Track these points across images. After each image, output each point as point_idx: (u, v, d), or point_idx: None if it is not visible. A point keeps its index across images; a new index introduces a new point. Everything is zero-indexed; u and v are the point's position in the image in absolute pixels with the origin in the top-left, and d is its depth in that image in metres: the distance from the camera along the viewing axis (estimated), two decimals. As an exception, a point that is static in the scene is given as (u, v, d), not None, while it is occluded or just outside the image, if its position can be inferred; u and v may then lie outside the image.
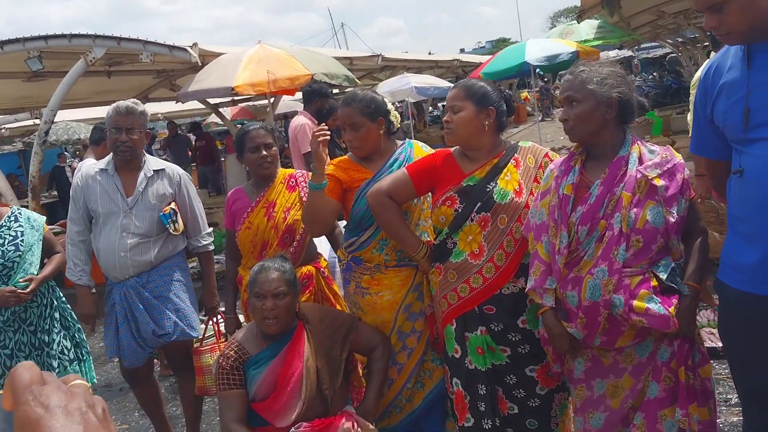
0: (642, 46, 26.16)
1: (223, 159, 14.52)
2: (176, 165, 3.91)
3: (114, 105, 3.57)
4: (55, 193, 15.49)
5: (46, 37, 7.52)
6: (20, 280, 3.57)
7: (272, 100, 9.45)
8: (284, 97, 11.69)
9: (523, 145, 2.86)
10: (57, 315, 3.78)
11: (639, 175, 2.32)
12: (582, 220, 2.36)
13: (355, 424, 2.78)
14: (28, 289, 3.54)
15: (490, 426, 2.69)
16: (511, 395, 2.72)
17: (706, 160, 2.38)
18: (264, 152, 3.44)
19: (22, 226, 3.67)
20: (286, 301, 2.78)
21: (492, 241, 2.66)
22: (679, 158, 2.41)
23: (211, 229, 3.87)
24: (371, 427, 2.89)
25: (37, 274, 3.65)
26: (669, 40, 18.21)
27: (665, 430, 2.38)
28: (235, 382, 2.78)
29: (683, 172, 2.38)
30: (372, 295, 3.02)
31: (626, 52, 26.68)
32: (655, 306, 2.24)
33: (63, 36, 7.53)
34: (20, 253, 3.60)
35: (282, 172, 3.59)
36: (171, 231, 3.61)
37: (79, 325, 3.89)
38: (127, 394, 5.04)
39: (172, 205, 3.62)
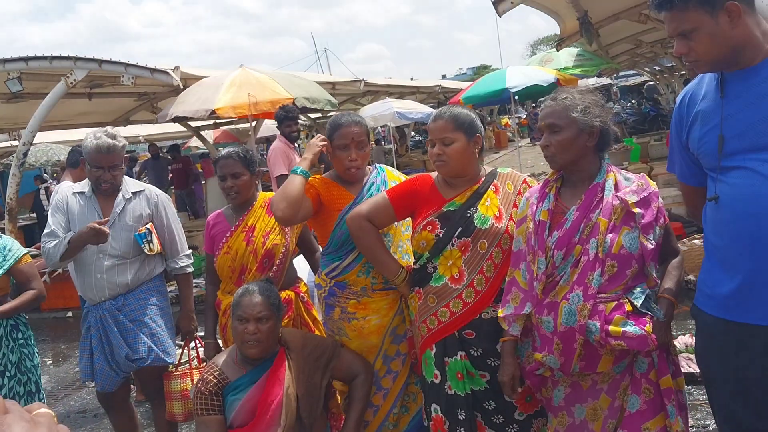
0: (620, 73, 26.62)
1: (203, 182, 14.45)
2: (155, 187, 3.86)
3: (94, 143, 3.46)
4: (34, 215, 15.31)
5: (26, 59, 7.49)
6: None
7: (254, 123, 9.46)
8: (266, 120, 11.73)
9: (502, 171, 2.87)
10: (13, 357, 3.59)
11: (616, 201, 2.35)
12: (558, 244, 2.37)
13: None
14: None
15: None
16: (491, 421, 2.70)
17: (682, 186, 2.40)
18: (230, 182, 3.41)
19: None
20: (268, 326, 2.76)
21: (472, 265, 2.67)
22: (653, 186, 2.45)
23: (189, 251, 3.82)
24: None
25: None
26: (647, 68, 18.55)
27: None
28: (213, 408, 2.73)
29: (657, 201, 2.42)
30: (359, 320, 3.00)
31: (605, 80, 27.07)
32: (631, 328, 2.26)
33: (44, 57, 7.51)
34: None
35: (262, 196, 3.56)
36: (146, 251, 3.56)
37: (39, 373, 3.73)
38: (102, 420, 4.96)
39: (148, 226, 3.58)
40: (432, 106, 21.16)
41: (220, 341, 3.62)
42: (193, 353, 3.87)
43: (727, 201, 2.04)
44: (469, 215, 2.68)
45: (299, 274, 3.73)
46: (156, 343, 3.59)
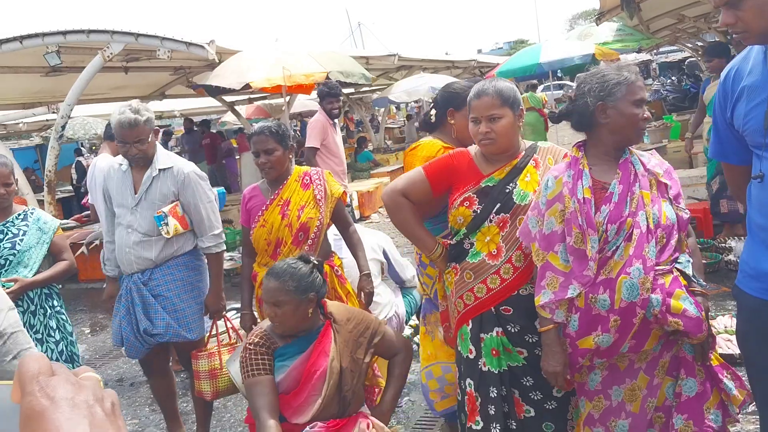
0: (660, 49, 25.99)
1: (237, 157, 14.54)
2: (190, 162, 3.85)
3: (117, 118, 3.48)
4: (69, 187, 15.59)
5: (64, 32, 7.56)
6: (4, 279, 3.44)
7: (287, 98, 9.45)
8: (300, 96, 11.72)
9: (543, 145, 2.81)
10: (53, 323, 3.65)
11: (648, 175, 2.40)
12: (611, 218, 2.35)
13: (371, 425, 2.75)
14: (10, 289, 3.36)
15: (498, 430, 2.65)
16: (528, 398, 2.67)
17: (726, 165, 2.34)
18: (263, 158, 3.44)
19: (28, 226, 3.60)
20: (285, 310, 2.73)
21: (510, 241, 2.62)
22: (666, 163, 2.52)
23: (219, 230, 3.75)
24: (387, 429, 2.87)
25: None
26: (688, 44, 18.04)
27: (713, 423, 2.37)
28: (265, 368, 2.73)
29: (675, 173, 2.51)
30: None
31: (644, 56, 26.51)
32: (692, 308, 2.27)
33: (81, 31, 7.57)
34: (15, 252, 3.51)
35: (297, 170, 3.57)
36: (163, 233, 3.56)
37: (73, 338, 3.78)
38: (138, 389, 5.05)
39: (165, 209, 3.56)
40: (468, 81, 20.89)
41: (256, 313, 3.65)
42: (223, 332, 3.89)
43: None
44: (508, 191, 2.64)
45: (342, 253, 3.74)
46: (177, 319, 3.63)
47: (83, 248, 8.18)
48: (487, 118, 2.61)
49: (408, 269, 4.47)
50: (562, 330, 2.45)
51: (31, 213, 3.70)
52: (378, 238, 4.37)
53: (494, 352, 2.66)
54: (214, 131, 16.50)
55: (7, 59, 7.94)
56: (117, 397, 0.79)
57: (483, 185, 2.67)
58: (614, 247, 2.34)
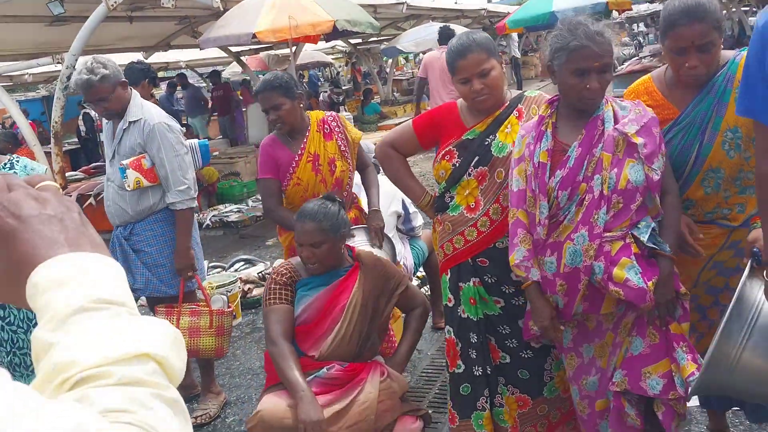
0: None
1: (244, 110, 14.44)
2: (163, 113, 3.69)
3: (74, 79, 3.47)
4: (76, 139, 15.57)
5: (67, -20, 7.43)
6: None
7: (294, 48, 9.33)
8: (306, 45, 11.56)
9: (529, 94, 2.76)
10: None
11: (616, 134, 2.25)
12: (562, 184, 2.29)
13: (386, 372, 2.80)
14: None
15: (480, 373, 2.73)
16: (504, 345, 2.73)
17: (757, 125, 2.08)
18: (272, 115, 3.40)
19: (17, 174, 3.59)
20: (323, 249, 2.80)
21: (488, 195, 2.64)
22: (651, 112, 2.35)
23: (185, 186, 3.56)
24: (401, 377, 2.91)
25: None
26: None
27: (649, 389, 2.33)
28: (284, 298, 2.83)
29: (657, 127, 2.33)
30: None
31: (657, 5, 25.93)
32: (635, 277, 2.20)
33: (84, -21, 7.44)
34: None
35: (313, 118, 3.53)
36: (125, 186, 3.51)
37: None
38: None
39: (130, 159, 3.49)
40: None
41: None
42: (197, 290, 3.82)
43: None
44: (487, 143, 2.62)
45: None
46: (158, 275, 3.62)
47: (91, 199, 8.21)
48: (478, 74, 2.56)
49: (418, 218, 4.48)
50: None
51: (17, 161, 3.67)
52: (395, 188, 4.36)
53: (472, 301, 2.71)
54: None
55: (9, 8, 7.84)
56: (78, 206, 0.76)
57: (464, 138, 2.66)
58: (566, 212, 2.30)
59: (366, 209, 3.69)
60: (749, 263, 2.11)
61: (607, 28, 2.29)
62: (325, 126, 3.49)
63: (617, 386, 2.38)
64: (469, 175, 2.64)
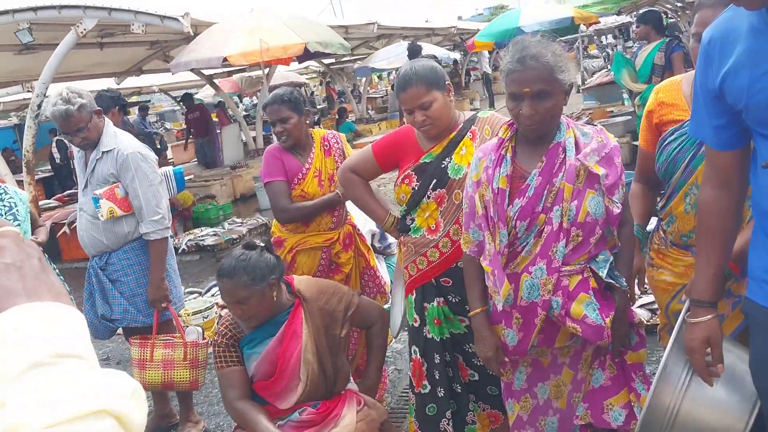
0: (641, 11, 25.84)
1: (219, 131, 14.40)
2: (136, 142, 3.66)
3: (51, 110, 3.41)
4: (49, 166, 15.41)
5: (35, 9, 7.42)
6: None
7: (267, 70, 9.36)
8: (279, 67, 11.60)
9: (482, 115, 2.77)
10: None
11: (578, 164, 2.12)
12: (521, 215, 2.18)
13: (362, 402, 2.75)
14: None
15: (443, 394, 2.73)
16: (471, 363, 2.73)
17: (708, 149, 1.89)
18: (279, 128, 3.42)
19: (13, 198, 3.58)
20: (251, 304, 2.60)
21: (448, 216, 2.65)
22: (613, 140, 2.23)
23: (159, 216, 3.52)
24: (377, 403, 2.88)
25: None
26: (668, 5, 18.00)
27: (612, 421, 2.30)
28: (233, 359, 2.69)
29: (619, 156, 2.22)
30: (653, 268, 2.62)
31: (624, 18, 26.40)
32: (593, 314, 2.13)
33: (52, 7, 7.43)
34: (19, 222, 3.50)
35: (316, 135, 3.56)
36: (99, 216, 3.47)
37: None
38: (126, 368, 5.06)
39: (103, 189, 3.46)
40: (448, 48, 20.77)
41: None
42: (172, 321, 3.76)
43: None
44: (444, 166, 2.63)
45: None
46: (135, 305, 3.59)
47: (65, 228, 8.13)
48: (419, 106, 2.58)
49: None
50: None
51: (6, 188, 3.64)
52: None
53: (436, 321, 2.71)
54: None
55: (-23, 38, 7.80)
56: (39, 249, 0.75)
57: (421, 162, 2.68)
58: (524, 243, 2.21)
59: (357, 225, 3.70)
60: (686, 303, 1.94)
61: (553, 52, 2.13)
62: (325, 143, 3.54)
63: (581, 419, 2.34)
64: (428, 197, 2.65)
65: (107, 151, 3.50)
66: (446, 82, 2.62)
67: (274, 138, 3.53)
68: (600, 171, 2.12)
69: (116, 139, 3.56)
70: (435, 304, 2.71)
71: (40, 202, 9.16)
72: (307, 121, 3.49)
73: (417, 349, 2.80)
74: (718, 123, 1.78)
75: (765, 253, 1.72)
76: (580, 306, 2.14)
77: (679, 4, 19.52)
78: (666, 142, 2.29)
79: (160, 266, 3.56)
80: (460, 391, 2.75)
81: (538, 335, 2.24)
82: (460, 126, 2.68)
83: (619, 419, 2.29)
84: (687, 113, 2.18)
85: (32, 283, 0.69)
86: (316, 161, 3.47)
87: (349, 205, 3.86)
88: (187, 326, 4.09)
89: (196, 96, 19.73)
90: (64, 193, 11.01)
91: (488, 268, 2.27)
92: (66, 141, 3.60)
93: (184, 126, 15.01)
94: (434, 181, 2.63)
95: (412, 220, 2.73)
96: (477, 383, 2.75)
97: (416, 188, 2.67)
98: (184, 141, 14.60)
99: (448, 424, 2.73)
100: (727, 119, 1.76)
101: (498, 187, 2.21)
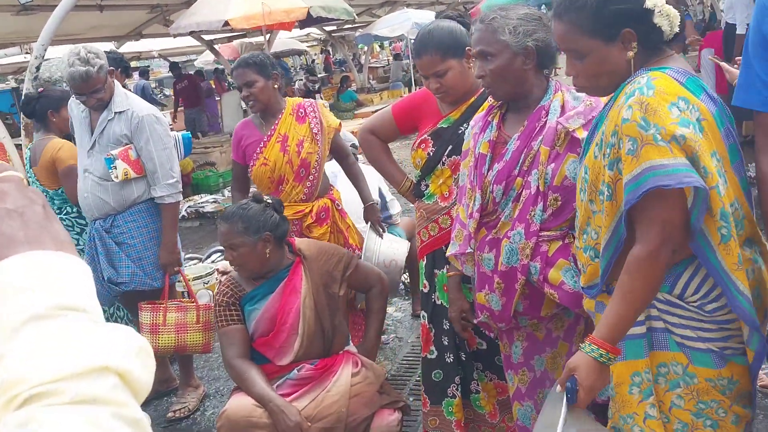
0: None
1: (218, 99, 14.26)
2: (149, 104, 3.64)
3: (69, 71, 3.30)
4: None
5: (33, -32, 7.27)
6: None
7: (268, 36, 9.24)
8: (281, 33, 11.45)
9: None
10: None
11: (559, 127, 2.10)
12: (497, 178, 2.19)
13: (360, 363, 2.77)
14: None
15: (451, 360, 2.72)
16: (480, 331, 2.68)
17: (761, 116, 1.77)
18: (245, 92, 3.34)
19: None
20: (241, 252, 2.69)
21: None
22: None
23: (174, 179, 3.54)
24: (375, 365, 2.89)
25: None
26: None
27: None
28: (233, 318, 2.74)
29: None
30: None
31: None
32: (570, 281, 2.09)
33: (51, -33, 7.28)
34: None
35: (290, 102, 3.48)
36: (112, 177, 3.42)
37: None
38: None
39: (119, 150, 3.42)
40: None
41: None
42: (181, 287, 3.81)
43: None
44: (461, 132, 2.57)
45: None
46: (143, 267, 3.55)
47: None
48: (433, 74, 2.52)
49: (395, 205, 4.45)
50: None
51: None
52: (372, 176, 4.33)
53: (445, 288, 2.69)
54: (191, 72, 16.03)
55: (-26, -2, 7.67)
56: (44, 197, 0.71)
57: (438, 127, 2.64)
58: (504, 208, 2.21)
59: (341, 201, 3.63)
60: (564, 398, 1.70)
61: (503, 16, 2.14)
62: (300, 110, 3.45)
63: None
64: (443, 164, 2.62)
65: (120, 112, 3.46)
66: (466, 48, 2.51)
67: None
68: (582, 134, 2.06)
69: (128, 100, 3.53)
70: (445, 270, 2.68)
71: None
72: (276, 86, 3.41)
73: (426, 315, 2.80)
74: None
75: None
76: (558, 272, 2.11)
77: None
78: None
79: (173, 230, 3.58)
80: (464, 359, 2.74)
81: (523, 302, 2.22)
82: (481, 91, 2.59)
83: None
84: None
85: (35, 230, 0.65)
86: (281, 126, 3.39)
87: (339, 181, 3.80)
88: (198, 290, 4.09)
89: (196, 62, 19.54)
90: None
91: (462, 231, 2.32)
92: (79, 100, 3.48)
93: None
94: (450, 147, 2.58)
95: (427, 185, 2.70)
96: (485, 352, 2.73)
97: (431, 154, 2.63)
98: (172, 110, 14.30)
99: (456, 389, 2.72)
100: None
101: (479, 152, 2.23)
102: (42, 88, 4.29)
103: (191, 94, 13.84)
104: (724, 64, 3.22)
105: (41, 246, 0.64)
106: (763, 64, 1.69)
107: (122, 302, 3.86)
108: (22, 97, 4.57)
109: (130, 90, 4.18)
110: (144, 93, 14.25)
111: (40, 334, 0.57)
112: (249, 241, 2.68)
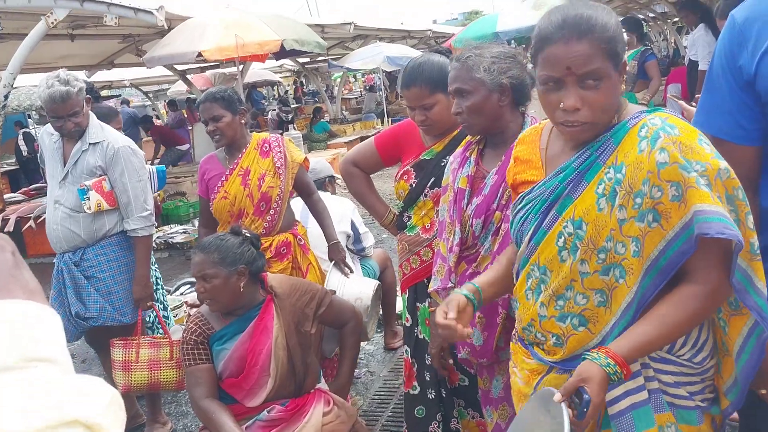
0: (621, 19, 26.19)
1: (190, 128, 14.19)
2: (125, 136, 3.62)
3: (48, 92, 3.26)
4: (14, 160, 15.09)
5: (4, -3, 7.21)
6: None
7: (241, 67, 9.26)
8: (254, 64, 11.49)
9: None
10: None
11: None
12: (476, 213, 2.21)
13: (331, 402, 2.72)
14: None
15: (433, 396, 2.70)
16: (462, 368, 2.69)
17: (725, 145, 1.65)
18: (211, 126, 3.32)
19: None
20: (214, 284, 2.62)
21: None
22: None
23: (147, 212, 3.50)
24: (347, 404, 2.84)
25: None
26: (640, 15, 18.23)
27: None
28: (201, 357, 2.67)
29: None
30: None
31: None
32: None
33: (22, -5, 7.24)
34: None
35: (255, 137, 3.47)
36: (84, 209, 3.38)
37: None
38: (91, 366, 4.94)
39: (92, 181, 3.39)
40: (423, 51, 20.70)
41: None
42: (154, 321, 3.74)
43: None
44: (443, 164, 2.58)
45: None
46: (111, 302, 3.48)
47: (31, 222, 7.95)
48: (420, 106, 2.56)
49: (369, 238, 4.44)
50: None
51: None
52: (344, 208, 4.31)
53: (427, 322, 2.69)
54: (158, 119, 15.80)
55: (-57, 25, 7.58)
56: (14, 244, 0.70)
57: (421, 158, 2.66)
58: (484, 242, 2.23)
59: (305, 237, 3.60)
60: (565, 410, 1.49)
61: (478, 54, 2.18)
62: (265, 145, 3.44)
63: None
64: (425, 195, 2.63)
65: (95, 143, 3.42)
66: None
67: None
68: None
69: (104, 131, 3.49)
70: (426, 304, 2.68)
71: (6, 196, 8.94)
72: (242, 121, 3.41)
73: (408, 350, 2.79)
74: (742, 111, 1.66)
75: None
76: None
77: (650, 14, 19.82)
78: (516, 208, 1.82)
79: (146, 264, 3.51)
80: (445, 395, 2.71)
81: (505, 336, 2.21)
82: None
83: None
84: (541, 173, 1.77)
85: (4, 279, 0.64)
86: (244, 160, 3.38)
87: (300, 211, 3.77)
88: (171, 325, 4.01)
89: (168, 92, 19.44)
90: (31, 186, 10.77)
91: (443, 266, 2.31)
92: (32, 132, 3.43)
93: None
94: (432, 179, 2.60)
95: (409, 217, 2.71)
96: (466, 388, 2.70)
97: (414, 185, 2.65)
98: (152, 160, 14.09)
99: (438, 427, 2.70)
100: (755, 109, 1.65)
101: (458, 187, 2.25)
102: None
103: (164, 139, 13.72)
104: (682, 103, 3.35)
105: (10, 295, 0.63)
106: (734, 97, 1.68)
107: (88, 339, 3.77)
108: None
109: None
110: (133, 119, 14.11)
111: (8, 386, 0.55)
112: (223, 272, 2.62)
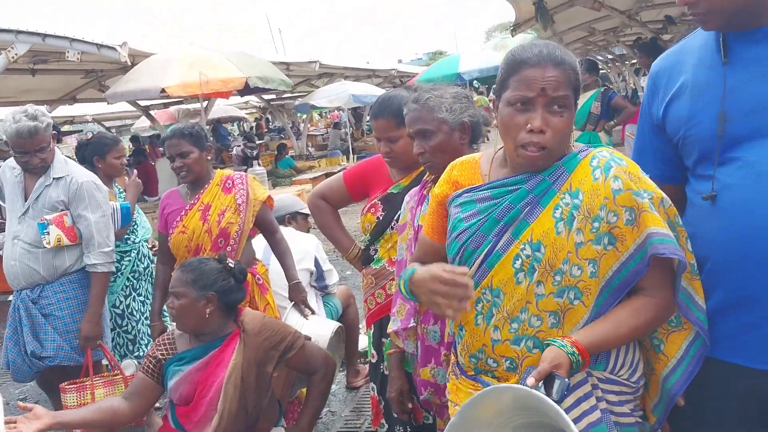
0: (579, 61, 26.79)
1: (153, 163, 14.09)
2: (87, 173, 3.58)
3: (15, 127, 3.24)
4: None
5: (-36, 31, 7.14)
6: None
7: (205, 103, 9.26)
8: (218, 100, 11.50)
9: None
10: None
11: None
12: None
13: None
14: None
15: None
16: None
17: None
18: (178, 162, 3.32)
19: None
20: (182, 303, 2.65)
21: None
22: None
23: (109, 249, 3.48)
24: None
25: None
26: (599, 57, 18.76)
27: None
28: (154, 375, 2.72)
29: None
30: None
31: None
32: None
33: (-18, 30, 7.17)
34: None
35: (219, 174, 3.47)
36: (44, 243, 3.34)
37: None
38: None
39: (53, 215, 3.35)
40: (388, 90, 20.96)
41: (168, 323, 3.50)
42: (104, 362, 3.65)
43: (728, 202, 1.58)
44: None
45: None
46: (69, 341, 3.41)
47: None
48: (386, 138, 2.62)
49: (333, 275, 4.43)
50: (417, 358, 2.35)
51: None
52: (308, 245, 4.29)
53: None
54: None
55: None
56: None
57: (388, 192, 2.70)
58: None
59: (264, 276, 3.58)
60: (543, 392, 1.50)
61: (436, 95, 2.21)
62: (228, 181, 3.44)
63: None
64: (392, 228, 2.66)
65: (58, 178, 3.39)
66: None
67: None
68: None
69: (68, 166, 3.47)
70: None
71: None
72: (209, 157, 3.43)
73: (375, 386, 2.77)
74: (660, 155, 1.82)
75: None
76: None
77: (609, 56, 20.37)
78: (458, 230, 1.78)
79: (99, 301, 3.46)
80: None
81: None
82: None
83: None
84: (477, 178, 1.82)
85: None
86: (206, 196, 3.38)
87: (263, 250, 3.76)
88: (122, 360, 3.93)
89: (132, 128, 19.31)
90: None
91: (404, 305, 2.30)
92: (17, 162, 3.40)
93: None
94: (399, 212, 2.60)
95: (375, 250, 2.73)
96: (431, 426, 2.66)
97: (381, 218, 2.68)
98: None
99: None
100: (668, 151, 1.79)
101: (418, 225, 2.23)
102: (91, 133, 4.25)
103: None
104: None
105: None
106: (652, 142, 1.84)
107: (40, 381, 3.66)
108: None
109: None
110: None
111: None
112: (192, 294, 2.65)
